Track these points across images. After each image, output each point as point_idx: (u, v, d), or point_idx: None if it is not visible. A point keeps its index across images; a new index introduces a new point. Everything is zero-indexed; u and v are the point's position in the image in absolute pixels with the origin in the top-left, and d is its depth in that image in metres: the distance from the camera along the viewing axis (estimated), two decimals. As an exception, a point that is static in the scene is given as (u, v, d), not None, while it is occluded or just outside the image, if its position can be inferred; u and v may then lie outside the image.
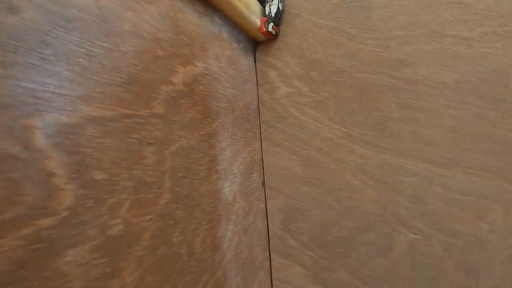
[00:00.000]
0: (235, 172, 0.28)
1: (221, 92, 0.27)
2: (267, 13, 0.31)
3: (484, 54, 0.28)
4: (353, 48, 0.31)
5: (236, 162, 0.29)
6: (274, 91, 0.33)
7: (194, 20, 0.24)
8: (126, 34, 0.18)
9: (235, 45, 0.30)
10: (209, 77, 0.25)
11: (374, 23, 0.31)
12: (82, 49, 0.15)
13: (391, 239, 0.31)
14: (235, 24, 0.29)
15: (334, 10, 0.32)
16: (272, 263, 0.32)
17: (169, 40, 0.21)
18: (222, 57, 0.27)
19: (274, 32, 0.32)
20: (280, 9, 0.32)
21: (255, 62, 0.34)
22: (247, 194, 0.30)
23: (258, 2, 0.31)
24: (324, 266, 0.31)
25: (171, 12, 0.22)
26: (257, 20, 0.30)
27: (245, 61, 0.32)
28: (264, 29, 0.30)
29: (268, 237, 0.32)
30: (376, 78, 0.31)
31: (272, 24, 0.31)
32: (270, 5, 0.31)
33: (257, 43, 0.34)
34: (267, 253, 0.32)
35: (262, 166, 0.33)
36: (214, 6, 0.26)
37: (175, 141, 0.22)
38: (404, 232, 0.30)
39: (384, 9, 0.31)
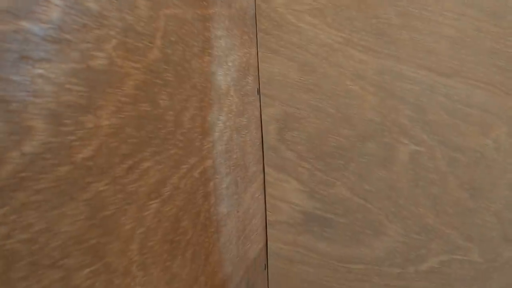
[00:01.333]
0: (229, 64, 0.28)
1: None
2: None
3: None
4: None
5: (231, 55, 0.28)
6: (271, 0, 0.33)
7: None
8: None
9: None
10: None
11: None
12: None
13: (392, 149, 0.31)
14: None
15: None
16: (266, 177, 0.33)
17: None
18: None
19: None
20: None
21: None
22: (242, 93, 0.29)
23: None
24: (321, 180, 0.32)
25: None
26: None
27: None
28: None
29: (263, 150, 0.32)
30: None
31: None
32: None
33: None
34: (261, 166, 0.32)
35: (257, 74, 0.33)
36: None
37: (171, 6, 0.21)
38: (406, 143, 0.31)
39: None
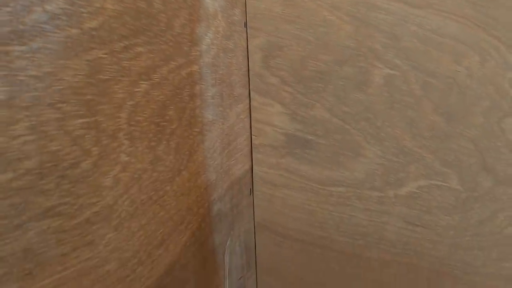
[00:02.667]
0: (217, -9, 0.33)
1: None
2: None
3: None
4: None
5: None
6: None
7: None
8: None
9: None
10: None
11: None
12: None
13: (368, 73, 0.35)
14: None
15: None
16: (252, 103, 0.37)
17: None
18: None
19: None
20: None
21: None
22: (229, 21, 0.34)
23: None
24: (302, 102, 0.36)
25: None
26: None
27: None
28: None
29: (249, 77, 0.37)
30: None
31: None
32: None
33: None
34: (247, 92, 0.37)
35: (245, 9, 0.37)
36: None
37: None
38: (380, 67, 0.35)
39: None
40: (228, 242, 0.36)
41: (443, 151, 0.36)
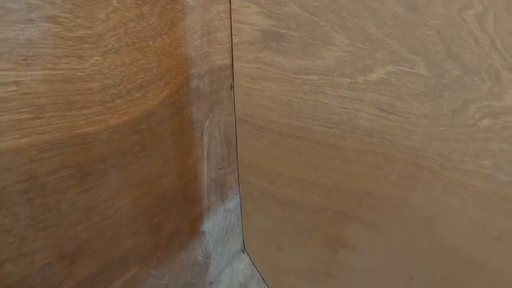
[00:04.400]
0: None
1: None
2: None
3: None
4: None
5: None
6: None
7: None
8: None
9: None
10: None
11: None
12: None
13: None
14: None
15: None
16: (232, 6, 0.44)
17: None
18: None
19: None
20: None
21: None
22: None
23: None
24: (276, 1, 0.42)
25: None
26: None
27: None
28: None
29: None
30: None
31: None
32: None
33: None
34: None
35: None
36: None
37: None
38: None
39: None
40: (207, 123, 0.41)
41: (408, 38, 0.41)
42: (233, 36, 0.46)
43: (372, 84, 0.43)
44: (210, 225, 0.48)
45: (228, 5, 0.45)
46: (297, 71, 0.44)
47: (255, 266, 0.58)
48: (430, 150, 0.45)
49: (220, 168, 0.46)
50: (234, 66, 0.46)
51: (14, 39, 0.26)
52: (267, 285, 0.60)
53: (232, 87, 0.45)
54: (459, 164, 0.46)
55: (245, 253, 0.58)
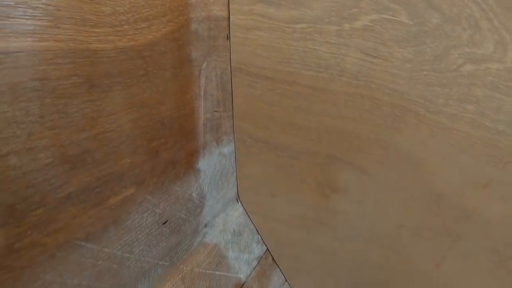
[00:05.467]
0: None
1: None
2: None
3: None
4: None
5: None
6: None
7: None
8: None
9: None
10: None
11: None
12: None
13: None
14: None
15: None
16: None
17: None
18: None
19: None
20: None
21: None
22: None
23: None
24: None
25: None
26: None
27: None
28: None
29: None
30: None
31: None
32: None
33: None
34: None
35: None
36: None
37: None
38: None
39: None
40: (204, 65, 0.46)
41: (391, -11, 0.45)
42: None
43: (357, 31, 0.48)
44: (205, 165, 0.51)
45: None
46: (288, 20, 0.49)
47: (248, 216, 0.61)
48: (415, 93, 0.48)
49: (216, 111, 0.50)
50: (231, 19, 0.51)
51: None
52: (260, 235, 0.62)
53: (228, 37, 0.50)
54: (444, 108, 0.49)
55: (239, 203, 0.60)
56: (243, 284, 0.57)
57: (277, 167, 0.56)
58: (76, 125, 0.36)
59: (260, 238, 0.61)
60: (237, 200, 0.59)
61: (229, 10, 0.50)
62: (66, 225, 0.37)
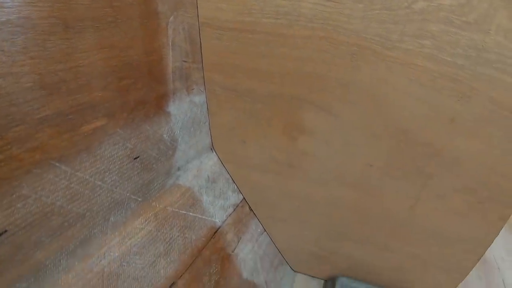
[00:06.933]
0: None
1: None
2: None
3: None
4: None
5: None
6: None
7: None
8: None
9: None
10: None
11: None
12: None
13: None
14: None
15: None
16: None
17: None
18: None
19: None
20: None
21: None
22: None
23: None
24: None
25: None
26: None
27: None
28: None
29: None
30: None
31: None
32: None
33: None
34: None
35: None
36: None
37: None
38: None
39: None
40: (171, 18, 0.53)
41: None
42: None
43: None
44: (176, 109, 0.57)
45: None
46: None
47: (223, 165, 0.65)
48: (370, 31, 0.51)
49: (185, 61, 0.56)
50: None
51: None
52: (235, 183, 0.65)
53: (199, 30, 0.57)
54: (399, 44, 0.51)
55: (214, 152, 0.65)
56: (218, 229, 0.60)
57: (246, 113, 0.61)
58: (53, 58, 0.45)
59: (236, 187, 0.64)
60: (211, 149, 0.64)
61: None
62: (42, 144, 0.45)
